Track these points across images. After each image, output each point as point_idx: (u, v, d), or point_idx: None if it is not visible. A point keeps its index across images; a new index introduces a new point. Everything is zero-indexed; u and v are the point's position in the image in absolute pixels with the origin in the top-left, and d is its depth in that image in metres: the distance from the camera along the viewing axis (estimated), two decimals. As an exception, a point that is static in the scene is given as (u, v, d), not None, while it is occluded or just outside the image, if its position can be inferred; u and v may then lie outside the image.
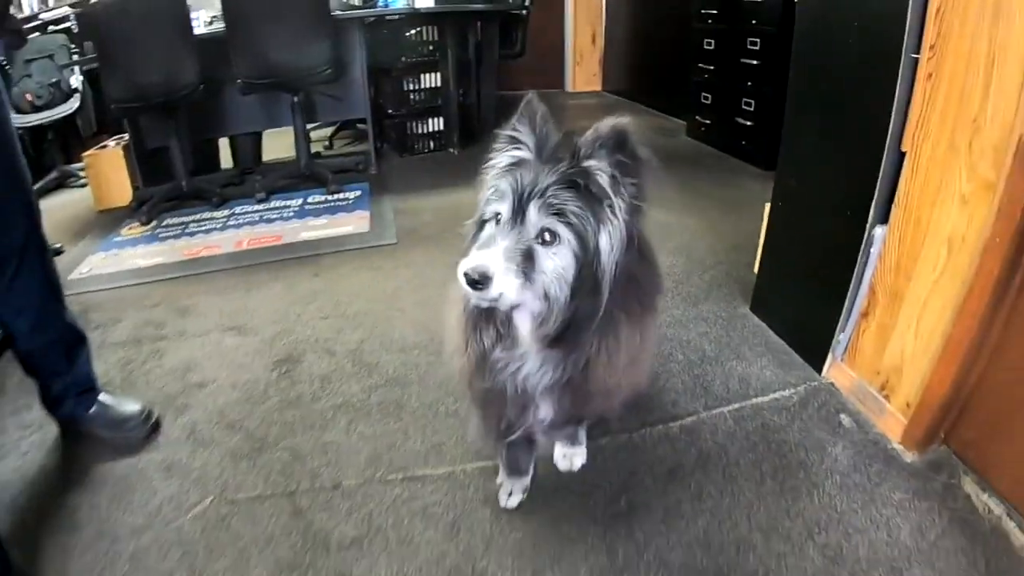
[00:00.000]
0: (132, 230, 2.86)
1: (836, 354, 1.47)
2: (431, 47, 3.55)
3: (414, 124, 3.60)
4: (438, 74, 3.52)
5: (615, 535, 1.14)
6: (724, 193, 2.65)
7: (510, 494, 1.22)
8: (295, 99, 3.01)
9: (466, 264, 0.78)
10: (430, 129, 3.64)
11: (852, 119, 1.33)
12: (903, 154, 1.22)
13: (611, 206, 0.79)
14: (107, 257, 2.58)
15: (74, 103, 4.34)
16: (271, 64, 2.78)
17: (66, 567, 1.15)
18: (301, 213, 2.84)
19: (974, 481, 1.21)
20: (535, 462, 1.24)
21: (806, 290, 1.57)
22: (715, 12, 3.25)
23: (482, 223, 0.87)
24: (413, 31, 3.52)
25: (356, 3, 3.57)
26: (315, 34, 2.81)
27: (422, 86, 3.55)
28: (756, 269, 1.80)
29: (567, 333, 0.84)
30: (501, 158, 0.88)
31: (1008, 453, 1.16)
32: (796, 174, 1.55)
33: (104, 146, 3.39)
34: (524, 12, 3.89)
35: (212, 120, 3.25)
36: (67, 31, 4.15)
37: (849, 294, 1.39)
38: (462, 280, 0.78)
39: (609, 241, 0.80)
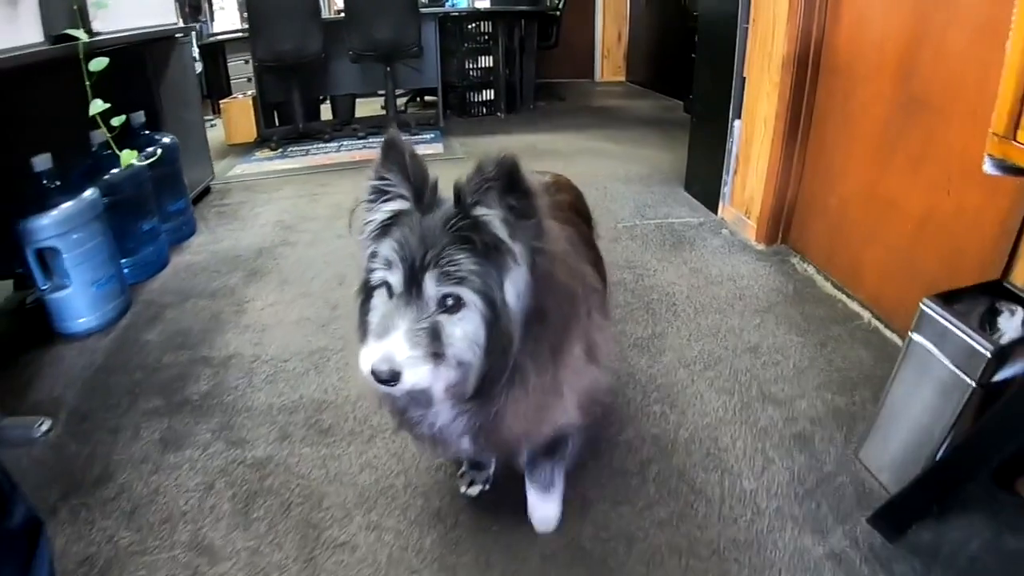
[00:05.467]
0: (264, 153, 4.19)
1: (724, 201, 2.66)
2: (486, 37, 4.90)
3: (471, 94, 4.98)
4: (491, 57, 4.90)
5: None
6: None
7: (471, 483, 1.29)
8: (388, 68, 4.34)
9: (369, 360, 0.76)
10: (483, 98, 5.03)
11: (721, 63, 2.56)
12: (744, 78, 2.42)
13: (511, 253, 0.77)
14: (251, 165, 3.91)
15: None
16: (376, 40, 4.11)
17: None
18: (392, 144, 4.16)
19: (800, 259, 2.32)
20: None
21: (707, 167, 2.77)
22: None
23: (369, 291, 0.84)
24: (473, 24, 4.87)
25: (425, 2, 4.91)
26: (408, 21, 4.15)
27: (478, 66, 4.93)
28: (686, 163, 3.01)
29: (479, 388, 0.84)
30: (375, 214, 0.83)
31: (813, 238, 2.28)
32: (700, 100, 2.80)
33: (235, 97, 4.75)
34: (558, 12, 5.23)
35: (322, 82, 4.58)
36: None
37: (726, 163, 2.59)
38: (368, 378, 0.76)
39: (514, 290, 0.79)
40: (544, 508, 1.21)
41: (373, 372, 0.75)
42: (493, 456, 1.19)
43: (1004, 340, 1.11)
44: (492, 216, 0.77)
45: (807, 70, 2.16)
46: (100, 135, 2.25)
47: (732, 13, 2.42)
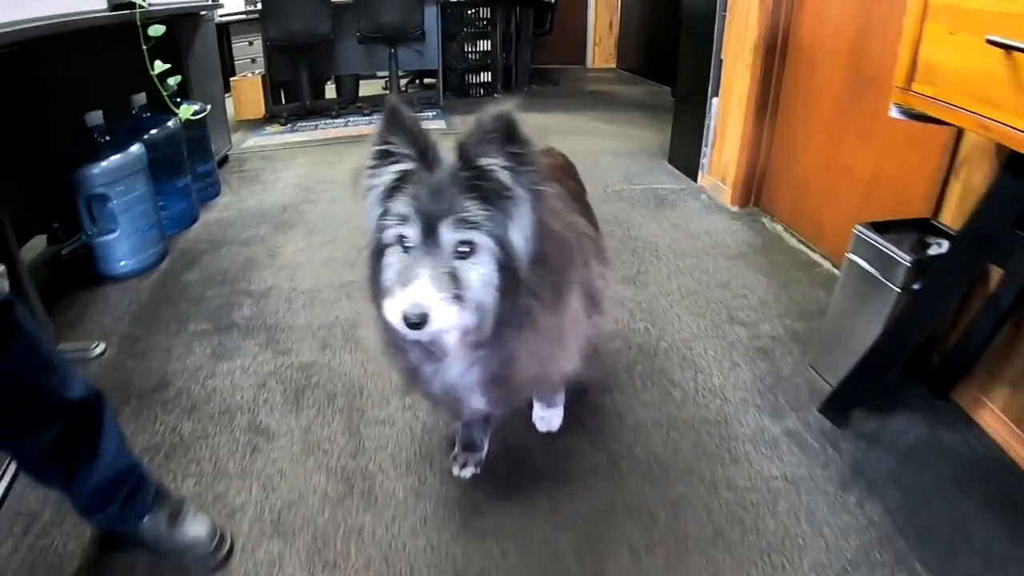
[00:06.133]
0: (274, 128, 4.39)
1: (703, 170, 2.93)
2: (484, 22, 5.14)
3: (470, 76, 5.24)
4: (489, 42, 5.14)
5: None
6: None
7: (464, 465, 1.32)
8: (392, 50, 4.56)
9: (399, 307, 0.79)
10: (481, 80, 5.28)
11: (701, 48, 2.81)
12: (721, 61, 2.69)
13: (514, 199, 0.82)
14: (263, 138, 4.12)
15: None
16: (383, 23, 4.34)
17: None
18: (397, 120, 4.39)
19: (770, 219, 2.61)
20: (490, 439, 1.38)
21: (689, 141, 3.04)
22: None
23: (381, 250, 0.88)
24: (472, 10, 5.10)
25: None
26: (412, 6, 4.38)
27: (476, 50, 5.18)
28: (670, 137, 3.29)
29: (494, 332, 0.89)
30: (381, 176, 0.86)
31: (780, 200, 2.57)
32: (683, 80, 3.06)
33: (245, 75, 4.93)
34: (553, 1, 5.48)
35: (329, 62, 4.76)
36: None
37: (705, 136, 2.85)
38: (398, 323, 0.80)
39: (520, 233, 0.84)
40: (549, 420, 1.42)
41: (404, 317, 0.79)
42: (500, 409, 1.22)
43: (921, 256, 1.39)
44: (495, 165, 0.82)
45: (775, 55, 2.44)
46: (140, 99, 2.47)
47: (712, 3, 2.68)
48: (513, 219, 0.84)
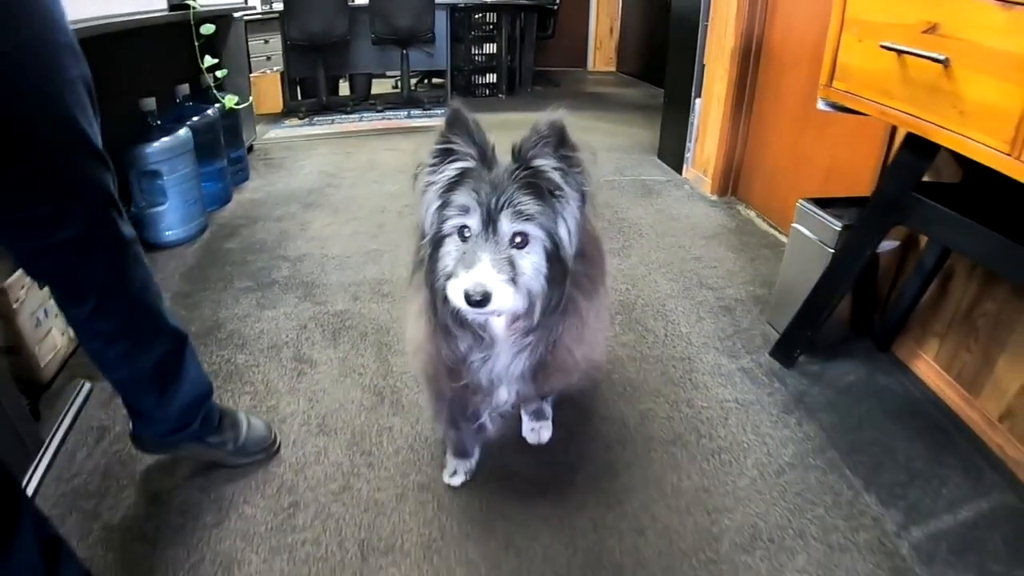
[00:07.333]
0: (293, 121, 4.72)
1: (687, 164, 3.26)
2: (491, 26, 5.50)
3: (476, 77, 5.59)
4: (494, 44, 5.49)
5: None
6: (671, 123, 4.47)
7: (454, 473, 1.36)
8: (404, 51, 4.90)
9: (463, 285, 0.87)
10: (487, 81, 5.63)
11: (686, 53, 3.14)
12: (703, 65, 3.02)
13: (564, 197, 0.91)
14: (283, 131, 4.44)
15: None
16: (397, 26, 4.68)
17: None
18: (409, 118, 4.71)
19: (744, 206, 2.94)
20: (480, 446, 1.41)
21: (675, 137, 3.37)
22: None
23: (440, 239, 0.95)
24: (479, 15, 5.46)
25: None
26: (424, 10, 4.72)
27: (483, 52, 5.53)
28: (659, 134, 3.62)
29: (541, 318, 0.98)
30: (443, 171, 0.93)
31: (754, 189, 2.90)
32: (671, 82, 3.40)
33: (264, 72, 5.26)
34: (556, 6, 5.86)
35: (344, 61, 5.10)
36: None
37: (689, 133, 3.19)
38: (462, 302, 0.88)
39: (567, 229, 0.93)
40: (539, 431, 1.47)
41: (467, 295, 0.87)
42: (533, 397, 1.32)
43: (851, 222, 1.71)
44: (548, 166, 0.90)
45: (749, 60, 2.77)
46: (183, 89, 2.79)
47: (696, 13, 3.02)
48: (562, 215, 0.92)
